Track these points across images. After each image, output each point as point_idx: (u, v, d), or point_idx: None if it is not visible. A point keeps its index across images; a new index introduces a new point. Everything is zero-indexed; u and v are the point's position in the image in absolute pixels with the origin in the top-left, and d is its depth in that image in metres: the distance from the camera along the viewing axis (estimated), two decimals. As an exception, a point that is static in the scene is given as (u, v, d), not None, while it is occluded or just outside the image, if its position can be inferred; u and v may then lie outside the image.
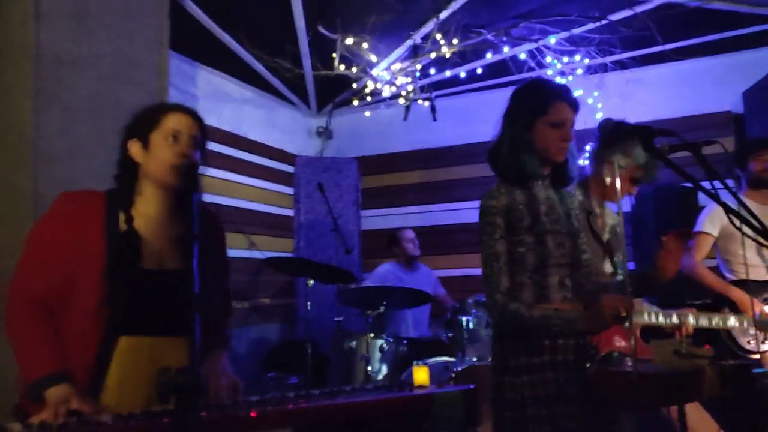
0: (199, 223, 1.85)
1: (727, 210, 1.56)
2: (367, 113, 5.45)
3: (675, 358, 1.47)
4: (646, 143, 1.82)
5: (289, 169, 5.69)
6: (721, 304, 3.11)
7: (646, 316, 2.48)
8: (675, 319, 2.50)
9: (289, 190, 5.70)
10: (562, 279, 1.96)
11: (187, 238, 1.79)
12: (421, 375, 1.90)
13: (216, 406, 1.55)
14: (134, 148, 1.77)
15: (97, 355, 1.64)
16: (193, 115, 1.83)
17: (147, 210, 1.78)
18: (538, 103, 1.97)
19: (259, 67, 4.80)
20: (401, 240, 4.84)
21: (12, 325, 1.64)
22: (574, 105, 1.99)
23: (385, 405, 1.68)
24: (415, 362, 3.71)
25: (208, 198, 4.58)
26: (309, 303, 3.95)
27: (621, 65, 4.65)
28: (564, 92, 2.00)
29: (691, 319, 2.52)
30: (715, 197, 1.73)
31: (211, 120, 4.78)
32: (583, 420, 1.83)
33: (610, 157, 2.42)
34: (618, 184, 2.47)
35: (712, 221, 3.19)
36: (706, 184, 1.69)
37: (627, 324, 1.68)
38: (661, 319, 2.49)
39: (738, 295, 3.06)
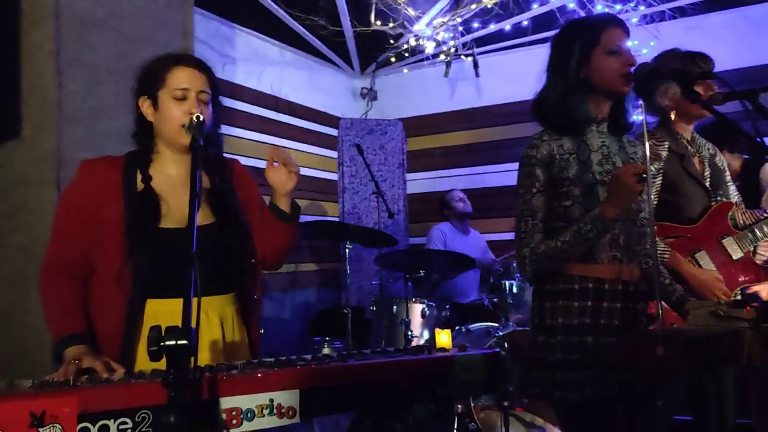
0: (226, 178, 1.83)
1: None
2: (407, 71, 5.31)
3: (712, 320, 1.32)
4: (686, 88, 1.65)
5: (333, 132, 5.62)
6: None
7: (755, 235, 2.31)
8: None
9: (333, 154, 5.64)
10: (616, 237, 1.77)
11: (214, 192, 1.77)
12: (442, 338, 1.81)
13: (222, 366, 1.51)
14: (145, 106, 1.73)
15: (126, 321, 1.62)
16: (200, 67, 1.74)
17: (166, 168, 1.75)
18: (588, 35, 1.80)
19: (299, 28, 4.71)
20: (450, 201, 4.79)
21: (42, 291, 1.68)
22: (626, 29, 1.83)
23: (399, 368, 1.60)
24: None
25: (249, 162, 4.58)
26: (348, 268, 3.92)
27: (681, 12, 4.32)
28: (612, 17, 1.86)
29: None
30: (763, 149, 1.55)
31: (251, 82, 4.75)
32: (621, 387, 1.70)
33: (660, 87, 2.29)
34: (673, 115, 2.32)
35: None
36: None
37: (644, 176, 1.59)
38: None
39: None
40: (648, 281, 1.86)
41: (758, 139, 1.50)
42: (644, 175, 1.59)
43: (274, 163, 1.75)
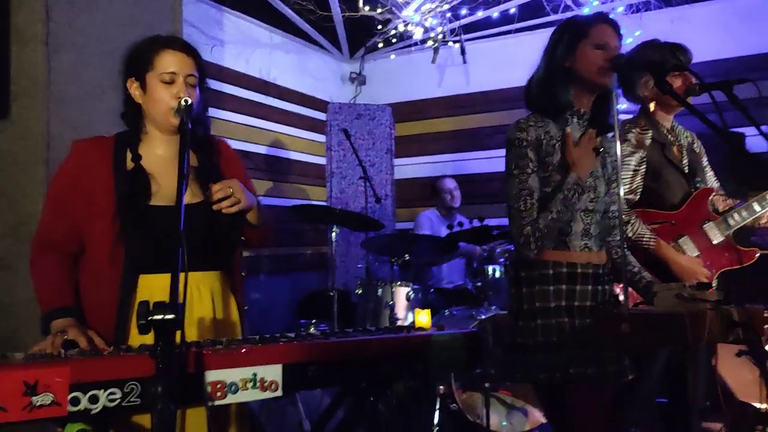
0: (214, 157, 1.86)
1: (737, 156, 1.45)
2: (395, 57, 5.33)
3: (677, 302, 1.39)
4: (658, 80, 1.70)
5: (321, 116, 5.64)
6: None
7: (733, 219, 2.38)
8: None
9: (322, 138, 5.67)
10: (588, 227, 1.86)
11: (201, 171, 1.80)
12: (421, 318, 1.88)
13: (208, 341, 1.56)
14: (133, 87, 1.77)
15: (120, 295, 1.66)
16: (188, 50, 1.77)
17: (155, 148, 1.78)
18: (578, 27, 1.89)
19: (288, 12, 4.72)
20: (440, 191, 4.82)
21: (32, 267, 1.73)
22: (616, 28, 1.90)
23: (378, 345, 1.67)
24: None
25: (238, 145, 4.60)
26: (335, 251, 3.96)
27: (666, 2, 4.37)
28: (605, 15, 1.95)
29: None
30: (737, 143, 1.61)
31: (239, 66, 4.75)
32: (599, 366, 1.77)
33: (640, 78, 2.37)
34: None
35: None
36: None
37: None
38: (753, 209, 2.39)
39: None
40: (616, 270, 1.95)
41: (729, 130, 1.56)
42: (621, 161, 1.68)
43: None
